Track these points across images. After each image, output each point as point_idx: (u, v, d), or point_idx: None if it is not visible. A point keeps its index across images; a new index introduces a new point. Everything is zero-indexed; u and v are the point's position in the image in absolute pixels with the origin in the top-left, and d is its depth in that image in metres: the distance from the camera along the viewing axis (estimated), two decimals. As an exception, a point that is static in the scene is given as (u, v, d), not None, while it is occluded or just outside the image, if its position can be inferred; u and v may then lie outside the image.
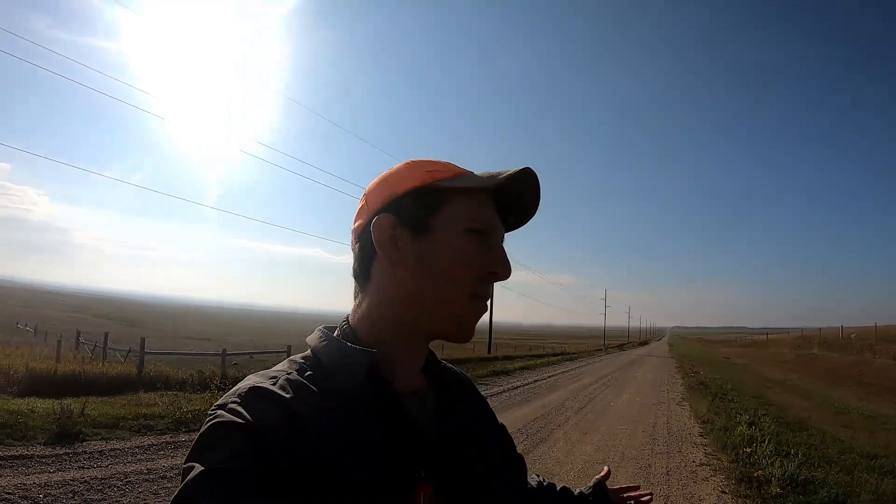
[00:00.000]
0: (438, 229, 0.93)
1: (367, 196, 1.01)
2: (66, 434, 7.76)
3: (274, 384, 0.85)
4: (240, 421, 0.77)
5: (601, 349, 69.03)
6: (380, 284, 0.96)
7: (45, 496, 5.66)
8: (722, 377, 25.44)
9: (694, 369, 31.09)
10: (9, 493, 5.67)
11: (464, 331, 0.95)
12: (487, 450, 1.04)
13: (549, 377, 23.98)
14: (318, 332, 1.00)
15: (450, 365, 1.15)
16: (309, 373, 0.90)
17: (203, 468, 0.72)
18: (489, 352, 39.15)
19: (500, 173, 0.96)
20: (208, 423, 0.79)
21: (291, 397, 0.83)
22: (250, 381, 0.86)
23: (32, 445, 7.34)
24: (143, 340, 16.13)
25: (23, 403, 9.71)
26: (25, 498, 5.59)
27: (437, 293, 0.92)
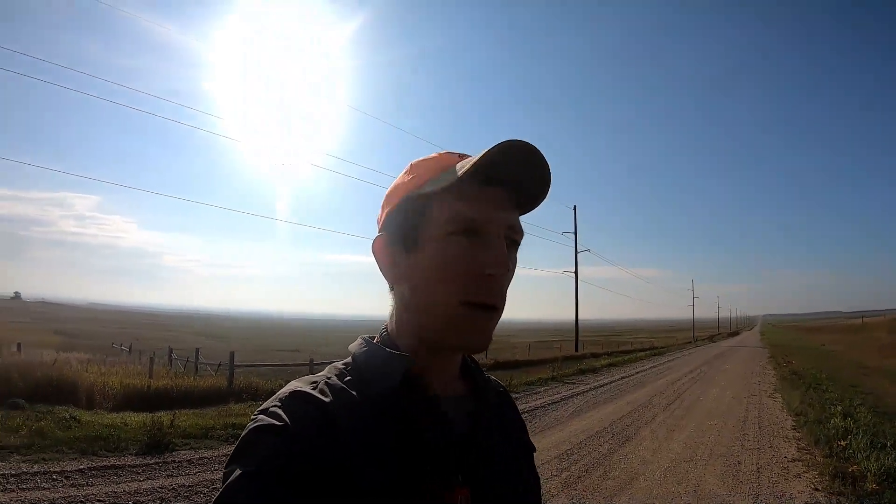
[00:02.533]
0: (425, 240, 0.91)
1: (379, 213, 1.02)
2: (156, 445, 8.17)
3: (314, 388, 0.87)
4: (279, 424, 0.80)
5: (690, 342, 66.94)
6: (396, 298, 0.99)
7: (134, 503, 6.10)
8: (815, 366, 24.57)
9: (786, 359, 30.03)
10: (100, 501, 6.13)
11: (464, 340, 0.92)
12: (517, 462, 1.05)
13: (637, 373, 23.66)
14: (360, 340, 1.02)
15: (491, 376, 1.15)
16: (348, 378, 0.92)
17: (243, 471, 0.76)
18: (576, 349, 38.52)
19: (484, 156, 0.87)
20: (249, 427, 0.82)
21: (330, 401, 0.85)
22: (292, 385, 0.89)
23: (124, 456, 7.78)
24: (232, 354, 16.69)
25: (117, 417, 10.34)
26: (114, 504, 6.07)
27: (429, 304, 0.91)
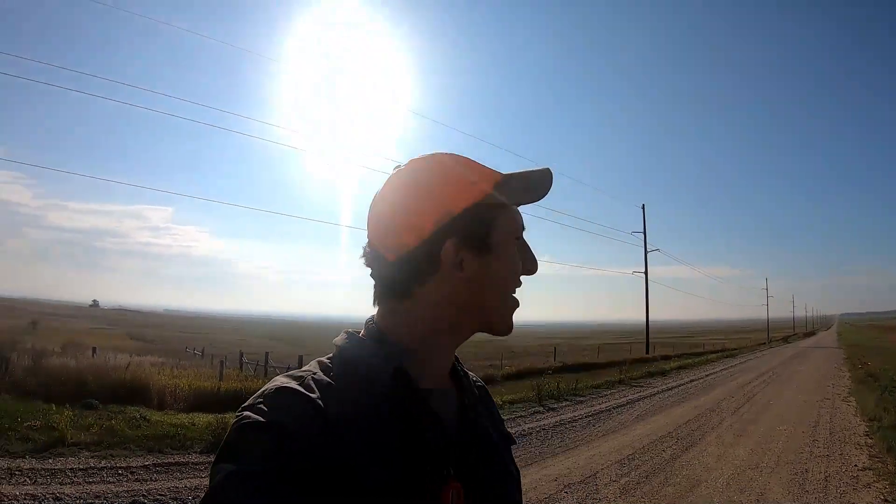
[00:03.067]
0: (496, 245, 0.99)
1: (406, 215, 0.99)
2: (220, 443, 8.58)
3: (300, 384, 0.87)
4: (265, 421, 0.80)
5: (764, 343, 65.06)
6: (428, 296, 0.98)
7: (193, 498, 6.47)
8: (893, 367, 23.70)
9: (863, 360, 28.99)
10: (161, 495, 6.56)
11: (509, 326, 1.03)
12: (502, 455, 1.09)
13: (707, 376, 23.29)
14: (345, 334, 1.03)
15: (469, 371, 1.17)
16: (335, 372, 0.92)
17: (230, 470, 0.76)
18: (647, 352, 37.90)
19: (529, 176, 1.05)
20: (235, 425, 0.82)
21: (317, 396, 0.85)
22: (277, 381, 0.89)
23: (189, 454, 8.25)
24: (300, 358, 17.04)
25: (186, 418, 10.88)
26: (176, 499, 6.46)
27: (493, 300, 1.00)
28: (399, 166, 1.06)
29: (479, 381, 1.21)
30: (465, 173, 1.02)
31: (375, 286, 1.03)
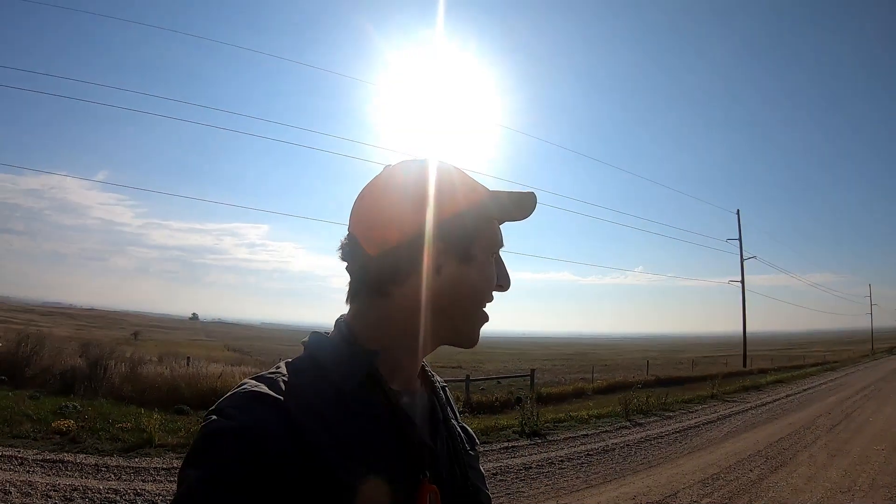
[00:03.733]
0: (477, 256, 1.00)
1: (393, 212, 0.99)
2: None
3: (269, 386, 0.86)
4: (231, 424, 0.79)
5: (867, 355, 61.80)
6: (403, 297, 0.97)
7: None
8: None
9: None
10: None
11: (475, 338, 1.04)
12: (471, 458, 1.12)
13: (804, 390, 22.54)
14: (314, 335, 1.03)
15: (434, 374, 1.18)
16: (304, 374, 0.92)
17: (197, 475, 0.75)
18: (744, 365, 36.65)
19: (518, 195, 1.08)
20: (202, 430, 0.80)
21: (285, 399, 0.84)
22: (245, 384, 0.87)
23: None
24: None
25: None
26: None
27: (465, 310, 1.01)
28: (389, 166, 1.06)
29: (443, 383, 1.21)
30: (457, 182, 1.04)
31: (350, 282, 1.03)
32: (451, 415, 1.13)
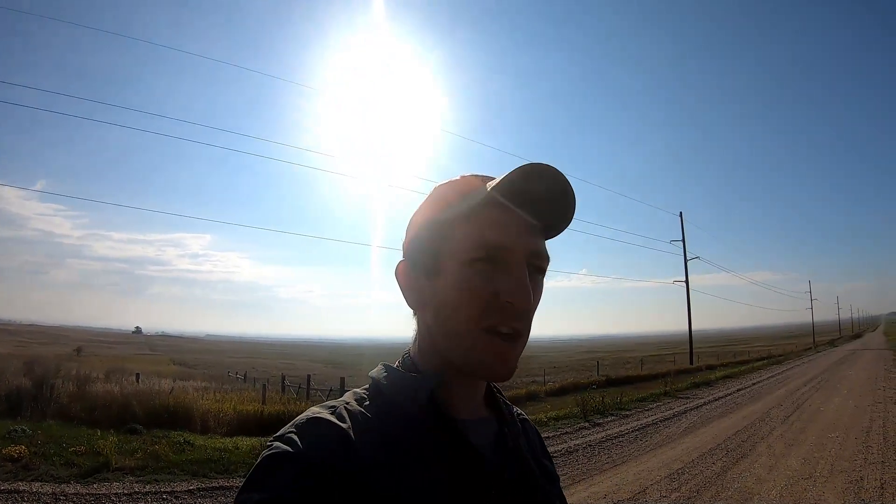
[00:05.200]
0: (446, 266, 0.90)
1: (405, 235, 1.01)
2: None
3: (332, 413, 0.86)
4: (292, 451, 0.78)
5: (810, 348, 63.86)
6: (419, 324, 0.99)
7: None
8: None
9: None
10: None
11: (485, 368, 0.89)
12: (546, 490, 1.02)
13: (753, 384, 22.96)
14: (380, 366, 1.00)
15: (512, 405, 1.12)
16: (367, 402, 0.91)
17: (256, 499, 0.75)
18: (691, 362, 37.22)
19: (524, 171, 0.87)
20: (265, 455, 0.80)
21: (348, 426, 0.83)
22: (310, 411, 0.87)
23: (233, 478, 8.33)
24: (342, 379, 17.17)
25: (229, 442, 11.02)
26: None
27: (451, 331, 0.90)
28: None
29: (522, 414, 1.16)
30: (439, 191, 0.97)
31: None
32: (524, 447, 1.04)
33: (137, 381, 16.71)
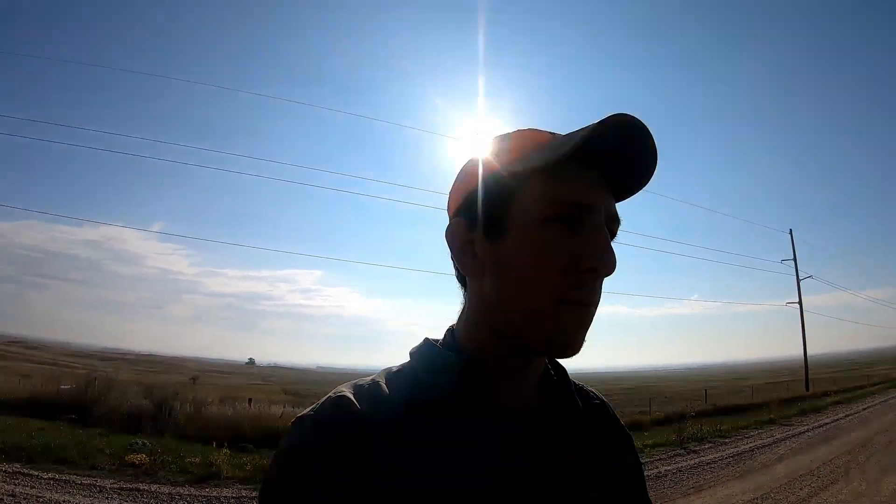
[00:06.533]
0: (514, 226, 0.79)
1: (449, 195, 0.91)
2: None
3: (355, 394, 0.78)
4: (298, 443, 0.75)
5: (938, 369, 59.85)
6: (471, 292, 0.87)
7: None
8: None
9: None
10: None
11: (557, 344, 0.79)
12: (610, 493, 0.89)
13: (864, 409, 22.23)
14: (423, 340, 0.91)
15: (588, 387, 1.01)
16: (398, 381, 0.82)
17: (273, 482, 0.74)
18: (807, 389, 35.45)
19: (604, 123, 0.74)
20: (283, 442, 0.77)
21: (366, 410, 0.76)
22: (339, 389, 0.81)
23: None
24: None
25: None
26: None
27: (519, 301, 0.78)
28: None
29: (598, 400, 1.02)
30: (502, 142, 0.87)
31: None
32: (588, 436, 0.92)
33: (250, 406, 17.74)
